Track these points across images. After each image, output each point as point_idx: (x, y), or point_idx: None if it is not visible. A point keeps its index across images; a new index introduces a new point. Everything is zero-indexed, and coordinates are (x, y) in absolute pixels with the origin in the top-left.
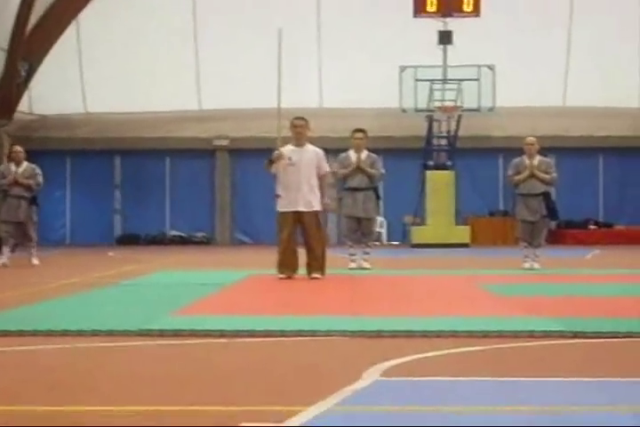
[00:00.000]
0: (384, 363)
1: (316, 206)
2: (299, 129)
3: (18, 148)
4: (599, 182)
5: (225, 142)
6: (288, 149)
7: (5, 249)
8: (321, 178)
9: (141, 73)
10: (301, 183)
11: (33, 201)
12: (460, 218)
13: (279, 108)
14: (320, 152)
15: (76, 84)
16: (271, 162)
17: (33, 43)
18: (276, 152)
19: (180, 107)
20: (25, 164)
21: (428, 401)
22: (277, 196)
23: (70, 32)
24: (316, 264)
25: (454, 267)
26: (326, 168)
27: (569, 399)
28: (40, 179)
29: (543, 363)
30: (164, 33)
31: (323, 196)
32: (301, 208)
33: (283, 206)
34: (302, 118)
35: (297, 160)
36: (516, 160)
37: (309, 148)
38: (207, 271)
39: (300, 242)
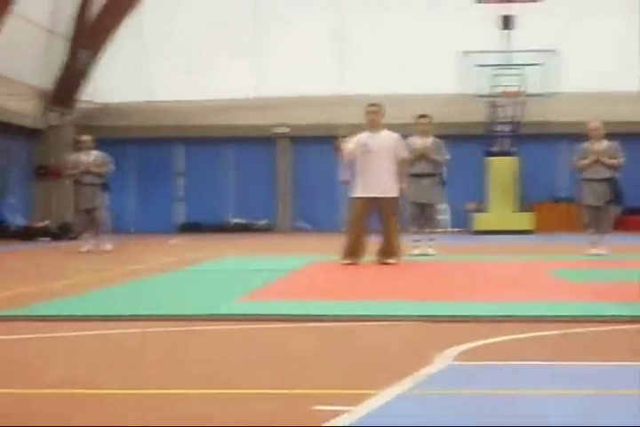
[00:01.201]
0: (456, 347)
1: (394, 192)
2: (371, 115)
3: (85, 137)
4: None
5: (286, 130)
6: (364, 136)
7: (86, 236)
8: (399, 163)
9: (202, 60)
10: (379, 169)
11: (105, 187)
12: (524, 204)
13: (342, 96)
14: (397, 137)
15: (137, 73)
16: (337, 149)
17: (95, 31)
18: (339, 140)
19: (240, 95)
20: (94, 152)
21: (501, 385)
22: (346, 182)
23: (132, 20)
24: (392, 250)
25: (519, 253)
26: (404, 153)
27: (637, 384)
28: (112, 166)
29: (614, 347)
30: (225, 19)
31: (401, 181)
32: (379, 194)
33: (358, 192)
34: (376, 104)
35: (373, 146)
36: (583, 145)
37: (386, 133)
38: (271, 258)
39: (373, 229)
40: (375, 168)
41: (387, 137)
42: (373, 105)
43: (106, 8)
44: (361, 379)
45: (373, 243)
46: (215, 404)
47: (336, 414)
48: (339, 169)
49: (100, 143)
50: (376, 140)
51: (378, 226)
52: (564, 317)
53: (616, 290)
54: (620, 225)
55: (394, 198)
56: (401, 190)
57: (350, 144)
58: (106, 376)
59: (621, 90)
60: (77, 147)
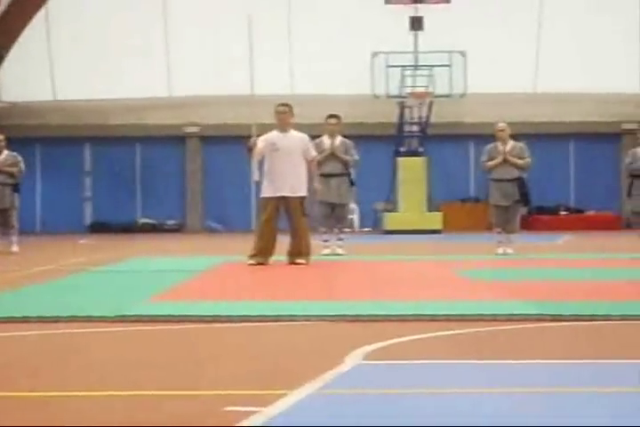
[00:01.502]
0: (365, 347)
1: (302, 192)
2: (282, 115)
3: None
4: (570, 168)
5: (196, 129)
6: (273, 135)
7: None
8: (309, 163)
9: (111, 60)
10: (287, 169)
11: (15, 188)
12: (432, 204)
13: (252, 95)
14: (305, 138)
15: (44, 72)
16: (250, 150)
17: (1, 30)
18: (252, 139)
19: (150, 93)
20: (6, 152)
21: (411, 384)
22: (257, 182)
23: (39, 18)
24: (302, 250)
25: (428, 253)
26: (313, 153)
27: (548, 382)
28: (22, 166)
29: (522, 346)
30: (134, 18)
31: (312, 180)
32: (287, 193)
33: (267, 192)
34: (286, 105)
35: (282, 146)
36: (490, 146)
37: (294, 133)
38: (180, 258)
39: (282, 228)
40: (283, 168)
41: (295, 137)
42: (283, 105)
43: (12, 6)
44: (271, 379)
45: (283, 243)
46: (124, 406)
47: (247, 414)
48: (251, 169)
49: (8, 142)
50: (285, 140)
51: (287, 225)
52: (473, 315)
53: (522, 289)
54: (527, 224)
55: (302, 198)
56: (314, 190)
57: (259, 143)
58: (14, 379)
59: (524, 91)
60: None
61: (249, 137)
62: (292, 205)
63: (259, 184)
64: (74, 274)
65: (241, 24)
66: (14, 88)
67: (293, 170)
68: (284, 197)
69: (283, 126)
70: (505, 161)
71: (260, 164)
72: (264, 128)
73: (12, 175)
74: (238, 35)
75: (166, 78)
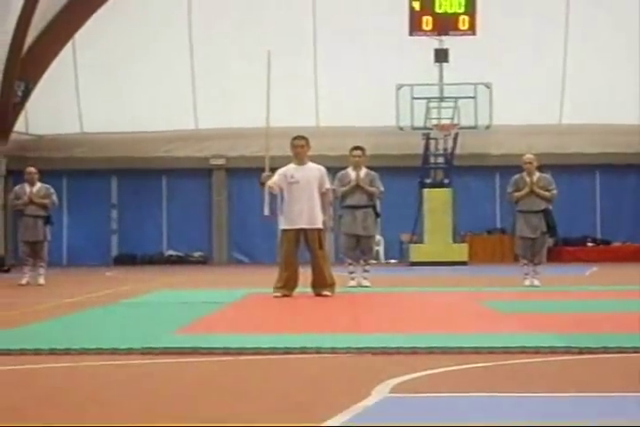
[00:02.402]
0: (392, 380)
1: (320, 224)
2: (298, 149)
3: (32, 169)
4: (596, 199)
5: (221, 161)
6: (290, 168)
7: (26, 268)
8: (322, 195)
9: (138, 93)
10: (304, 201)
11: (48, 220)
12: (458, 236)
13: (267, 129)
14: (322, 169)
15: (72, 104)
16: (262, 184)
17: (29, 62)
18: (265, 174)
19: (176, 126)
20: (39, 184)
21: (438, 418)
22: (269, 217)
23: (67, 52)
24: (325, 282)
25: (454, 284)
26: (328, 185)
27: (579, 415)
28: (55, 198)
29: (550, 379)
30: (161, 52)
31: (324, 212)
32: (305, 225)
33: (286, 224)
34: (302, 137)
35: (300, 178)
36: (516, 177)
37: (311, 165)
38: (206, 290)
39: (303, 261)
40: (301, 200)
41: (313, 169)
42: (300, 138)
43: (40, 39)
44: (297, 413)
45: (307, 274)
46: None
47: None
48: (263, 204)
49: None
50: (302, 172)
51: (308, 257)
52: (500, 348)
53: (549, 321)
54: (554, 256)
55: (320, 230)
56: (324, 222)
57: (276, 176)
58: (32, 411)
59: (549, 123)
60: (24, 179)
61: (263, 170)
62: (311, 237)
63: (270, 219)
64: (100, 306)
65: (266, 57)
66: (42, 121)
67: (311, 202)
68: (302, 229)
69: (299, 159)
70: (531, 192)
71: (275, 197)
72: (281, 160)
73: (44, 207)
74: (263, 68)
75: (192, 111)
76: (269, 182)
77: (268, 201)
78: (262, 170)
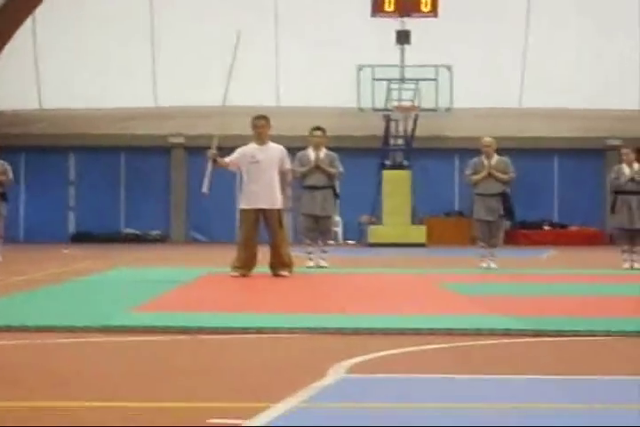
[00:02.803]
0: (348, 360)
1: (279, 204)
2: (260, 129)
3: None
4: (554, 183)
5: (180, 140)
6: (251, 148)
7: None
8: (282, 174)
9: (97, 69)
10: (264, 181)
11: (3, 197)
12: (416, 218)
13: (224, 107)
14: (283, 149)
15: (30, 80)
16: (214, 161)
17: None
18: (211, 151)
19: (135, 104)
20: None
21: (393, 399)
22: (205, 194)
23: (26, 27)
24: (283, 262)
25: (412, 266)
26: (288, 165)
27: (529, 398)
28: (11, 175)
29: (505, 361)
30: (121, 28)
31: (283, 190)
32: (264, 205)
33: (245, 204)
34: (263, 117)
35: (260, 158)
36: (474, 160)
37: (272, 146)
38: (164, 269)
39: (262, 240)
40: (262, 180)
41: (274, 149)
42: (260, 118)
43: None
44: (253, 392)
45: (264, 254)
46: (103, 417)
47: (230, 426)
48: (205, 180)
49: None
50: (263, 153)
51: (267, 237)
52: (456, 330)
53: (506, 304)
54: (511, 239)
55: (279, 210)
56: (284, 201)
57: (235, 154)
58: None
59: (510, 106)
60: None
61: (218, 149)
62: (270, 218)
63: (205, 196)
64: (56, 284)
65: (227, 33)
66: (0, 96)
67: (271, 182)
68: (262, 210)
69: (261, 139)
70: (489, 175)
71: (214, 175)
72: (249, 140)
73: (0, 184)
74: (224, 45)
75: (152, 88)
76: (227, 159)
77: (209, 178)
78: (222, 149)
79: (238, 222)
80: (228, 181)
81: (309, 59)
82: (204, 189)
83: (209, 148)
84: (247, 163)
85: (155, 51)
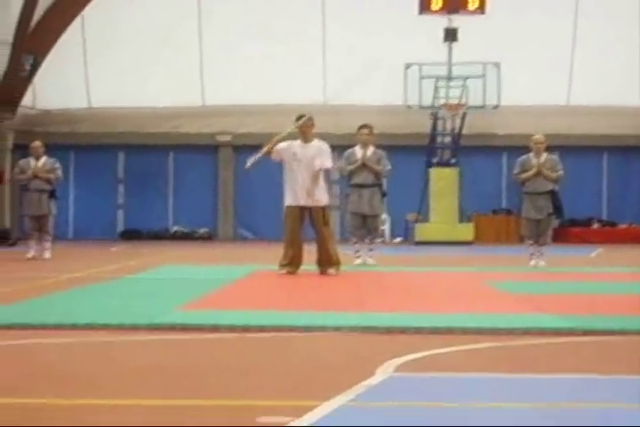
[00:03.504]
0: (396, 359)
1: (323, 202)
2: (303, 128)
3: (37, 143)
4: (603, 181)
5: (228, 138)
6: (295, 145)
7: (32, 242)
8: (318, 171)
9: (145, 68)
10: (305, 178)
11: (52, 194)
12: (464, 215)
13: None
14: (324, 146)
15: (79, 79)
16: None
17: (37, 36)
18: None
19: (183, 103)
20: (44, 158)
21: (441, 397)
22: (246, 169)
23: (75, 26)
24: (330, 260)
25: (460, 264)
26: (327, 164)
27: (580, 396)
28: (60, 172)
29: (554, 360)
30: (168, 27)
31: (314, 186)
32: (308, 204)
33: (289, 200)
34: (307, 117)
35: (301, 155)
36: (523, 158)
37: (314, 144)
38: (211, 267)
39: (309, 238)
40: (302, 178)
41: (315, 147)
42: (305, 118)
43: (49, 13)
44: (301, 390)
45: (312, 251)
46: (154, 415)
47: (278, 425)
48: (252, 157)
49: (45, 149)
50: (305, 151)
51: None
52: (504, 329)
53: (554, 302)
54: (559, 237)
55: (324, 207)
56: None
57: (282, 144)
58: (45, 386)
59: (558, 103)
60: (29, 152)
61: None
62: (315, 215)
63: (246, 170)
64: (105, 281)
65: (274, 34)
66: (49, 95)
67: (312, 180)
68: (306, 207)
69: (304, 138)
70: (538, 174)
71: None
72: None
73: (49, 181)
74: (271, 45)
75: (200, 87)
76: (276, 147)
77: (257, 158)
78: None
79: (283, 219)
80: (275, 178)
81: (357, 57)
82: (249, 164)
83: (256, 146)
84: (289, 158)
85: (202, 49)
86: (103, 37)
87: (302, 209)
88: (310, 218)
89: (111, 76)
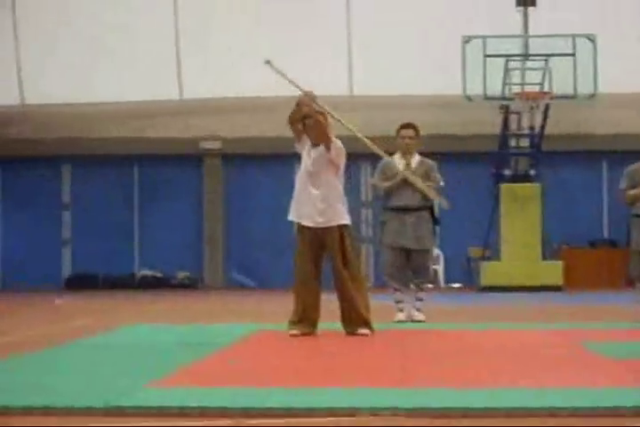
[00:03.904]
0: None
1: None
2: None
3: None
4: None
5: (216, 145)
6: (308, 145)
7: None
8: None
9: (97, 52)
10: (315, 190)
11: None
12: (549, 250)
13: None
14: (336, 146)
15: (9, 68)
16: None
17: None
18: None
19: (152, 97)
20: None
21: None
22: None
23: (2, 2)
24: (359, 315)
25: (543, 319)
26: (341, 163)
27: None
28: None
29: None
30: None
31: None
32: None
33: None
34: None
35: (309, 162)
36: (632, 168)
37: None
38: (195, 326)
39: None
40: (311, 189)
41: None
42: (308, 116)
43: None
44: None
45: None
46: None
47: None
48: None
49: None
50: (315, 152)
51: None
52: (612, 408)
53: None
54: None
55: (343, 233)
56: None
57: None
58: None
59: None
60: None
61: (274, 156)
62: (332, 245)
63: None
64: (47, 348)
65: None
66: None
67: (325, 194)
68: (322, 233)
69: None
70: None
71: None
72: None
73: None
74: (271, 14)
75: (176, 76)
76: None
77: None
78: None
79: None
80: (281, 200)
81: (393, 31)
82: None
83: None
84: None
85: (178, 26)
86: (39, 18)
87: (318, 235)
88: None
89: (51, 64)
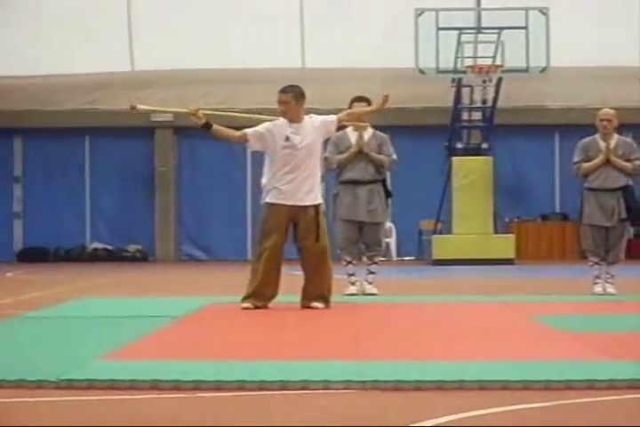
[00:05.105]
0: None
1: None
2: (282, 106)
3: None
4: None
5: (167, 117)
6: (282, 125)
7: None
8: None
9: (49, 21)
10: (304, 173)
11: None
12: (501, 223)
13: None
14: (327, 120)
15: None
16: (206, 125)
17: None
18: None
19: (103, 68)
20: None
21: None
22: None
23: None
24: (322, 292)
25: (494, 292)
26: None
27: None
28: None
29: (630, 423)
30: None
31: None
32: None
33: (273, 198)
34: (288, 90)
35: (297, 142)
36: (585, 141)
37: (307, 122)
38: (146, 299)
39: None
40: (299, 172)
41: (310, 127)
42: (285, 92)
43: None
44: None
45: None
46: None
47: None
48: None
49: None
50: (300, 134)
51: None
52: (559, 382)
53: (629, 344)
54: (635, 252)
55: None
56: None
57: (261, 130)
58: None
59: (629, 64)
60: None
61: (233, 128)
62: (305, 222)
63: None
64: None
65: None
66: None
67: (312, 175)
68: (297, 210)
69: (288, 117)
70: (607, 163)
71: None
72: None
73: None
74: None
75: (127, 46)
76: (247, 131)
77: (160, 111)
78: (229, 128)
79: (260, 223)
80: (236, 172)
81: (344, 2)
82: (139, 106)
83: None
84: (279, 147)
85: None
86: None
87: (292, 211)
88: (297, 225)
89: (2, 34)
